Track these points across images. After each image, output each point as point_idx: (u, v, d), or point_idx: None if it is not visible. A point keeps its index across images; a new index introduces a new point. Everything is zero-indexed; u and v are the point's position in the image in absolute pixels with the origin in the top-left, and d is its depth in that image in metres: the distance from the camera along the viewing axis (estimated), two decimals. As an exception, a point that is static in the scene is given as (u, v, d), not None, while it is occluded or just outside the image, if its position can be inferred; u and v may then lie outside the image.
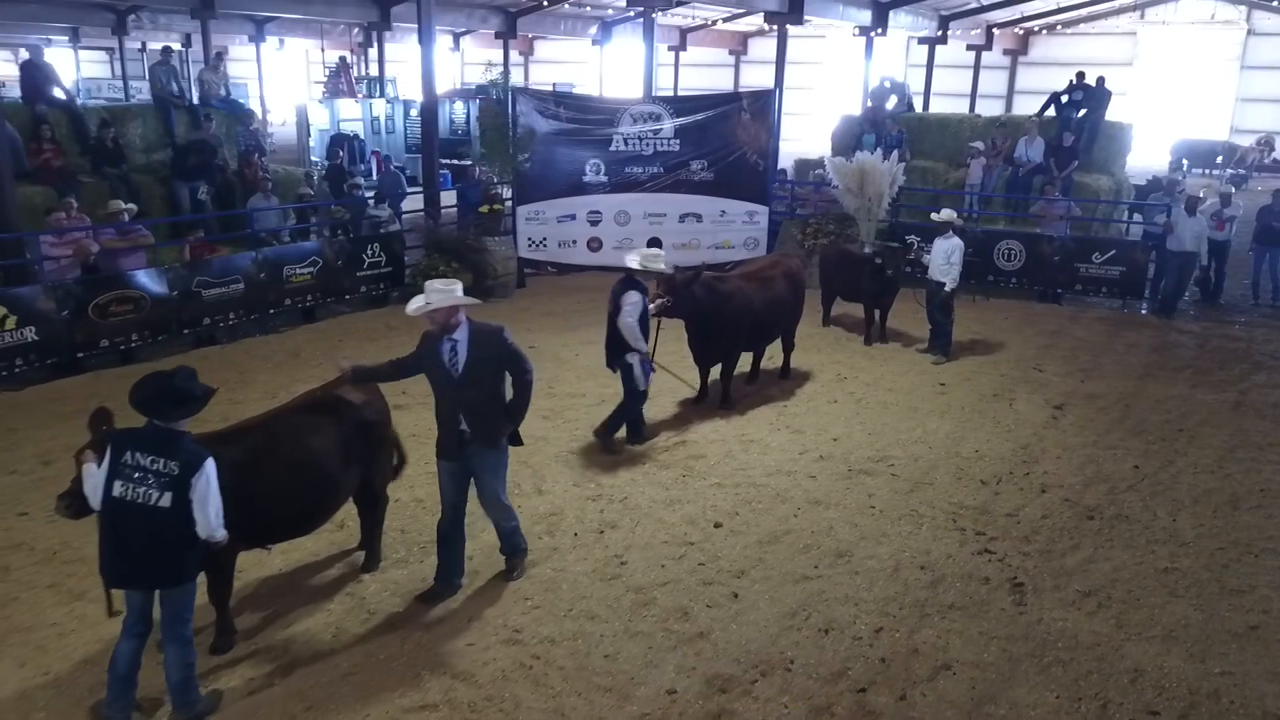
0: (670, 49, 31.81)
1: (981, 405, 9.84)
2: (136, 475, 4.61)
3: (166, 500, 4.61)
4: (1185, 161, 26.89)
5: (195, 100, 16.02)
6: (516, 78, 29.89)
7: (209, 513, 4.71)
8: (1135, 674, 5.48)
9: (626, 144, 15.33)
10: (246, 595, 6.12)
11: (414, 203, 16.79)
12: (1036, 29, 31.17)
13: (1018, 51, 31.99)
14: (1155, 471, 8.29)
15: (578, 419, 9.27)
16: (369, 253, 13.74)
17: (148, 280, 11.12)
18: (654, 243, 13.99)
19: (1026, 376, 10.79)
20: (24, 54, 20.41)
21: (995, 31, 27.89)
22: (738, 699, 5.21)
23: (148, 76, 16.04)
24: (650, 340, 8.50)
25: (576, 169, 15.30)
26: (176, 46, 23.15)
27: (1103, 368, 11.19)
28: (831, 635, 5.82)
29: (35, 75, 14.01)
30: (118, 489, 4.63)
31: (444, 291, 5.71)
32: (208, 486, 4.68)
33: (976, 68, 27.50)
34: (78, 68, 36.92)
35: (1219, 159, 28.15)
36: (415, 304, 5.78)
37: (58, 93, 14.36)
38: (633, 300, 8.09)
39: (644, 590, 6.26)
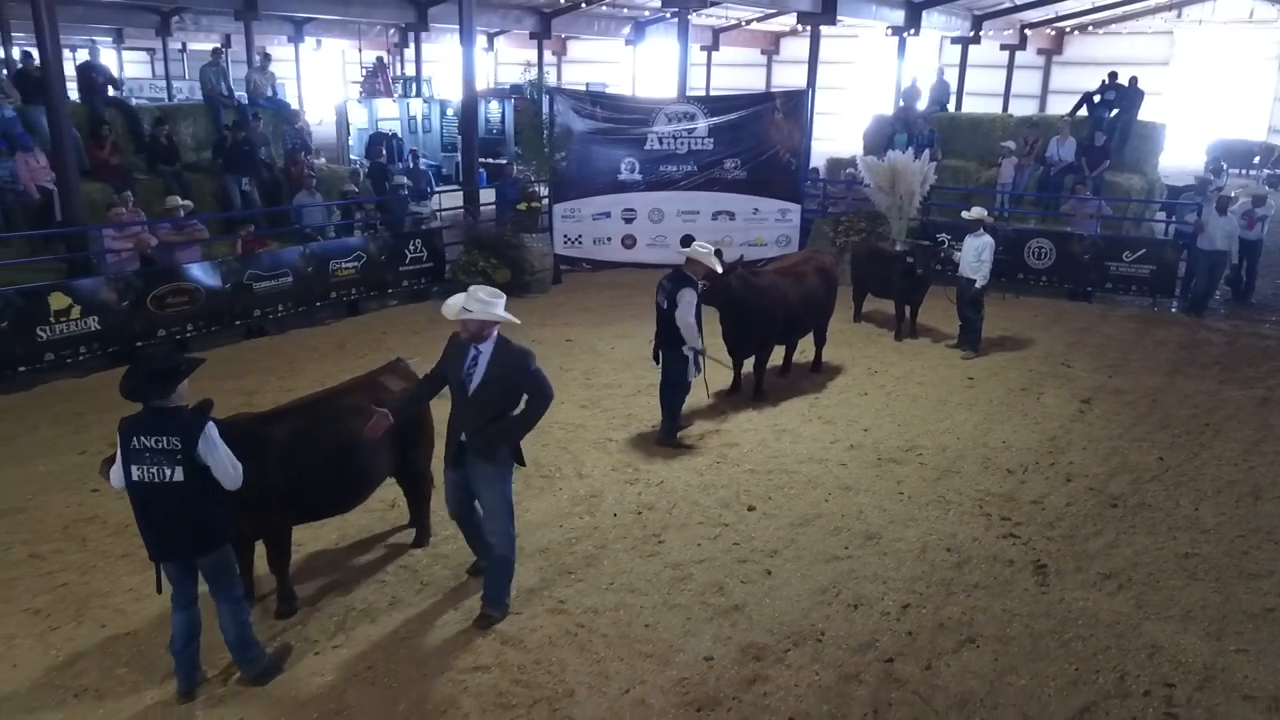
0: (703, 49, 32.05)
1: (1009, 399, 10.05)
2: (147, 456, 4.85)
3: (179, 474, 4.84)
4: (1224, 163, 26.76)
5: (244, 100, 16.55)
6: (550, 78, 30.28)
7: (227, 467, 4.94)
8: (1153, 650, 5.71)
9: (661, 143, 15.64)
10: (305, 567, 6.49)
11: (452, 200, 17.19)
12: (1071, 29, 31.09)
13: (1052, 51, 31.91)
14: (1180, 463, 8.48)
15: (614, 408, 9.59)
16: (411, 248, 14.16)
17: (202, 273, 11.58)
18: (687, 240, 14.26)
19: (1055, 372, 10.98)
20: (82, 55, 21.02)
21: (1028, 31, 27.88)
22: (771, 666, 5.51)
23: (198, 77, 16.54)
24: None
25: (612, 167, 15.63)
26: (214, 45, 23.74)
27: (1131, 364, 11.35)
28: (860, 610, 6.10)
29: (93, 76, 14.55)
30: (135, 473, 4.89)
31: (486, 303, 5.50)
32: (213, 447, 4.90)
33: (1010, 67, 27.50)
34: (120, 68, 37.77)
35: (1256, 159, 27.95)
36: (452, 306, 5.56)
37: (113, 93, 14.91)
38: (688, 298, 8.33)
39: (681, 566, 6.57)
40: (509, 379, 5.64)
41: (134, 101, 20.04)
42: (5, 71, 13.84)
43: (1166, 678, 5.47)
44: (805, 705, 5.20)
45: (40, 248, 12.03)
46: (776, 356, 10.45)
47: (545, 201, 15.84)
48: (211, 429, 4.92)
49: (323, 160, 17.08)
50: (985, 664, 5.58)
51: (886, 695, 5.31)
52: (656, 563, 6.63)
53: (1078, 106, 17.91)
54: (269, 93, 17.14)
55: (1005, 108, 25.09)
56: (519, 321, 5.72)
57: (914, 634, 5.86)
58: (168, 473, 4.83)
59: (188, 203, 12.56)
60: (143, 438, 4.85)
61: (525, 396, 5.73)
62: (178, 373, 4.94)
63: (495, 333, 5.62)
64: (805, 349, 10.95)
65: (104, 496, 7.53)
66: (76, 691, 5.25)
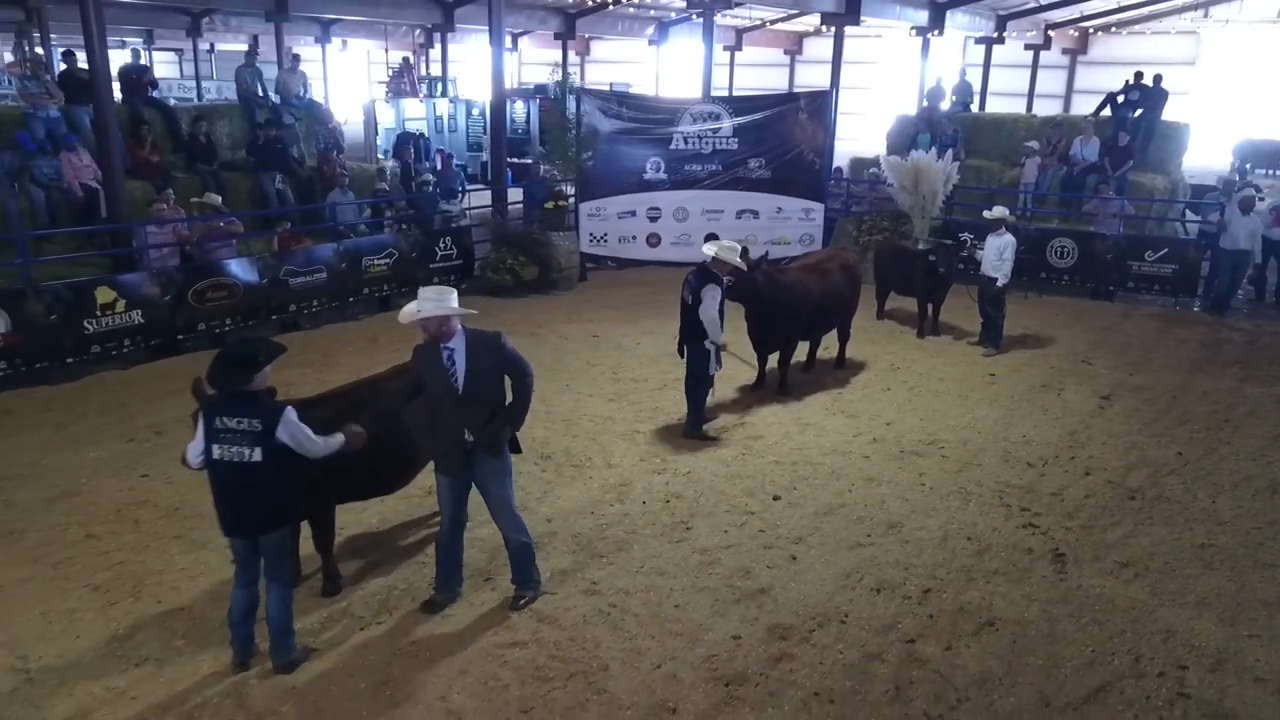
0: (726, 49, 32.24)
1: (1030, 395, 10.21)
2: (227, 436, 5.15)
3: (257, 455, 5.14)
4: (1248, 164, 26.66)
5: (276, 100, 16.88)
6: (574, 78, 30.54)
7: (314, 442, 5.25)
8: (1167, 634, 5.89)
9: (686, 143, 15.85)
10: (347, 549, 6.77)
11: (480, 199, 17.49)
12: (1095, 28, 31.06)
13: (1077, 51, 31.88)
14: (1198, 458, 8.63)
15: (641, 401, 9.83)
16: (441, 246, 14.46)
17: (240, 269, 11.92)
18: (711, 238, 14.50)
19: (1076, 369, 11.12)
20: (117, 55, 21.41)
21: (1053, 32, 27.91)
22: (796, 645, 5.74)
23: (234, 77, 16.87)
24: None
25: (637, 167, 15.84)
26: (245, 46, 24.13)
27: (1152, 362, 11.47)
28: (883, 594, 6.32)
29: (134, 77, 14.92)
30: (216, 452, 5.19)
31: (436, 300, 5.55)
32: (295, 428, 5.20)
33: (1034, 67, 27.53)
34: (151, 69, 38.36)
35: (1283, 159, 27.84)
36: (408, 312, 5.64)
37: (153, 93, 15.29)
38: (713, 294, 8.56)
39: (709, 552, 6.80)
40: (491, 367, 5.67)
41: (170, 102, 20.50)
42: (47, 73, 14.15)
43: (1180, 660, 5.65)
44: (830, 681, 5.42)
45: (84, 244, 12.40)
46: (800, 352, 10.64)
47: (572, 200, 16.11)
48: (290, 412, 5.22)
49: (350, 163, 17.39)
50: (1004, 645, 5.78)
51: (908, 674, 5.52)
52: (685, 548, 6.87)
53: (1101, 106, 18.00)
54: (300, 93, 17.47)
55: (1030, 108, 25.13)
56: (474, 313, 5.75)
57: (935, 617, 6.07)
58: (247, 453, 5.13)
59: (216, 197, 12.81)
60: (225, 419, 5.15)
61: (510, 381, 5.78)
62: (257, 362, 5.24)
63: (459, 326, 5.66)
64: (829, 345, 11.14)
65: (154, 481, 7.88)
66: (138, 661, 5.55)
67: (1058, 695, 5.35)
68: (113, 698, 5.23)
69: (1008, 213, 11.84)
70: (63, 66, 14.69)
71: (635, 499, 7.64)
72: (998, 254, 11.41)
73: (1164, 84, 17.69)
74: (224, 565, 6.45)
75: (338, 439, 5.41)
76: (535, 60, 36.61)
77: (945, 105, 19.97)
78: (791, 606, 6.14)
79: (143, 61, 20.69)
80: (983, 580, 6.51)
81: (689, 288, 8.70)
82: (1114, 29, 31.10)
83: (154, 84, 15.50)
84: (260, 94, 16.60)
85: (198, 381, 5.48)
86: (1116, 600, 6.26)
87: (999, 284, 11.46)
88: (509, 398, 5.81)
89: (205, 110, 16.25)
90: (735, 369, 9.96)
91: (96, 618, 5.97)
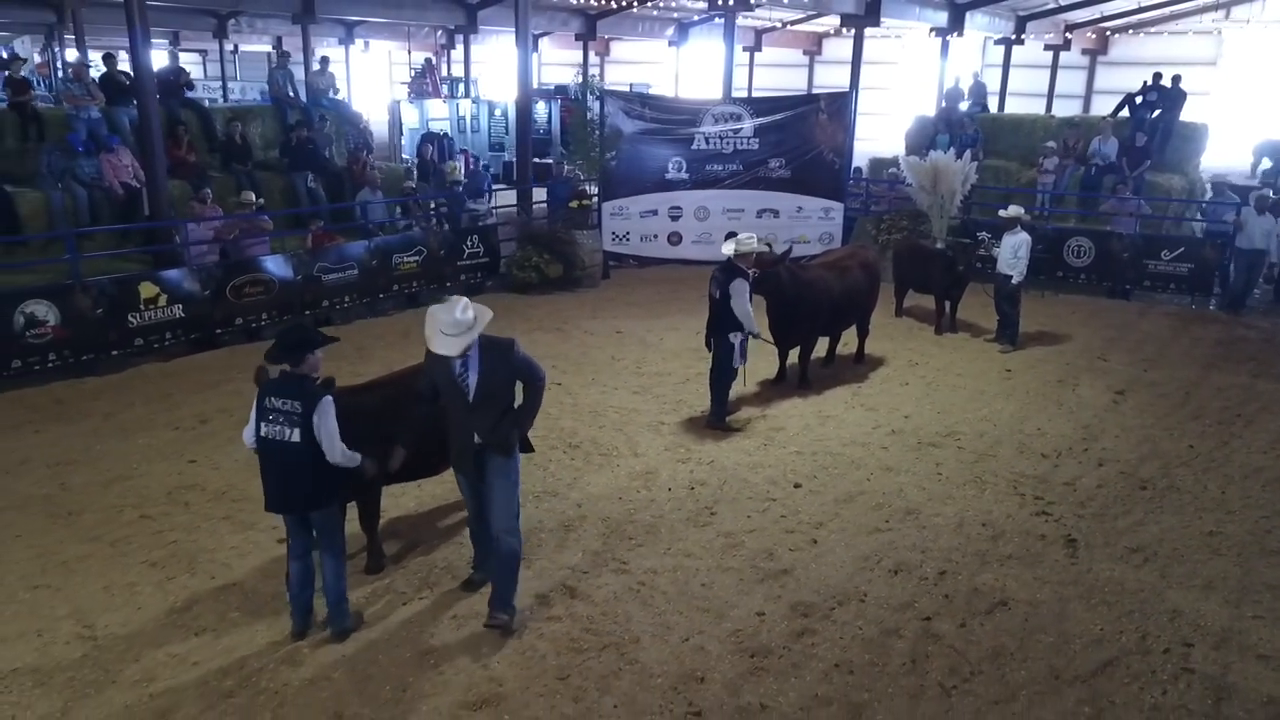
0: (745, 49, 32.48)
1: (1046, 390, 10.45)
2: (273, 416, 5.47)
3: (296, 436, 5.44)
4: (1268, 161, 26.63)
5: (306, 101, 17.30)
6: (594, 78, 30.84)
7: (332, 442, 5.49)
8: (1174, 614, 6.15)
9: (708, 143, 16.14)
10: (388, 531, 7.10)
11: (504, 199, 17.84)
12: (1115, 29, 31.12)
13: (1097, 51, 31.93)
14: (1209, 451, 8.85)
15: (665, 394, 10.13)
16: (468, 244, 14.81)
17: (275, 266, 12.30)
18: (730, 236, 14.76)
19: (1091, 365, 11.35)
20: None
21: (1072, 33, 28.01)
22: (818, 621, 6.03)
23: (266, 79, 17.31)
24: None
25: (659, 167, 16.14)
26: (275, 48, 24.57)
27: (1166, 358, 11.68)
28: (900, 575, 6.60)
29: (171, 79, 15.34)
30: (263, 429, 5.53)
31: (458, 335, 5.48)
32: (323, 419, 5.46)
33: (1054, 68, 27.67)
34: (187, 70, 38.85)
35: (1305, 158, 27.77)
36: (445, 343, 5.50)
37: (188, 95, 15.71)
38: (741, 287, 8.86)
39: (733, 535, 7.11)
40: (502, 373, 5.70)
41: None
42: (77, 74, 14.56)
43: (1185, 638, 5.90)
44: (850, 655, 5.71)
45: (126, 241, 12.80)
46: (820, 348, 10.91)
47: (594, 200, 16.42)
48: (328, 402, 5.51)
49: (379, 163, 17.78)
50: (1016, 623, 6.06)
51: (924, 648, 5.81)
52: (709, 532, 7.17)
53: (1119, 107, 18.17)
54: (329, 94, 17.87)
55: (1049, 108, 25.29)
56: (491, 315, 5.66)
57: (950, 597, 6.35)
58: (288, 433, 5.44)
59: (252, 195, 13.19)
60: (273, 398, 5.49)
61: (521, 385, 5.83)
62: (310, 344, 5.58)
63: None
64: (848, 341, 11.40)
65: (201, 467, 8.25)
66: (197, 630, 5.90)
67: (1067, 669, 5.62)
68: (175, 662, 5.59)
69: (1022, 211, 12.06)
70: (101, 68, 15.12)
71: (661, 486, 7.94)
72: (1012, 252, 11.64)
73: (1183, 85, 17.84)
74: (272, 544, 6.81)
75: (355, 457, 5.63)
76: (555, 61, 36.95)
77: (964, 106, 20.18)
78: (813, 586, 6.44)
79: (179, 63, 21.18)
80: (997, 564, 6.78)
81: (716, 283, 9.00)
82: (1134, 30, 31.14)
83: (190, 85, 15.92)
84: (291, 95, 17.01)
85: (259, 369, 5.81)
86: (1126, 583, 6.52)
87: (1014, 281, 11.69)
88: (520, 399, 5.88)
89: (239, 111, 16.63)
90: (756, 365, 10.23)
91: (155, 591, 6.32)
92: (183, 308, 11.35)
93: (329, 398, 5.55)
